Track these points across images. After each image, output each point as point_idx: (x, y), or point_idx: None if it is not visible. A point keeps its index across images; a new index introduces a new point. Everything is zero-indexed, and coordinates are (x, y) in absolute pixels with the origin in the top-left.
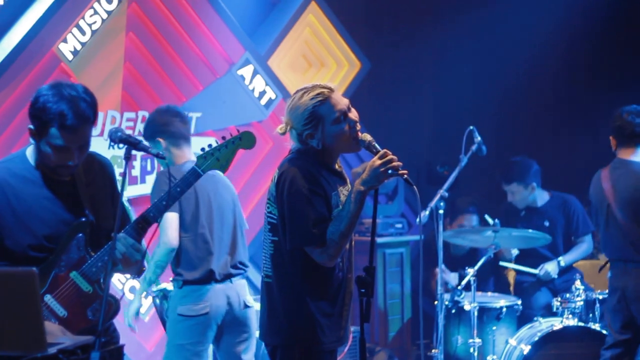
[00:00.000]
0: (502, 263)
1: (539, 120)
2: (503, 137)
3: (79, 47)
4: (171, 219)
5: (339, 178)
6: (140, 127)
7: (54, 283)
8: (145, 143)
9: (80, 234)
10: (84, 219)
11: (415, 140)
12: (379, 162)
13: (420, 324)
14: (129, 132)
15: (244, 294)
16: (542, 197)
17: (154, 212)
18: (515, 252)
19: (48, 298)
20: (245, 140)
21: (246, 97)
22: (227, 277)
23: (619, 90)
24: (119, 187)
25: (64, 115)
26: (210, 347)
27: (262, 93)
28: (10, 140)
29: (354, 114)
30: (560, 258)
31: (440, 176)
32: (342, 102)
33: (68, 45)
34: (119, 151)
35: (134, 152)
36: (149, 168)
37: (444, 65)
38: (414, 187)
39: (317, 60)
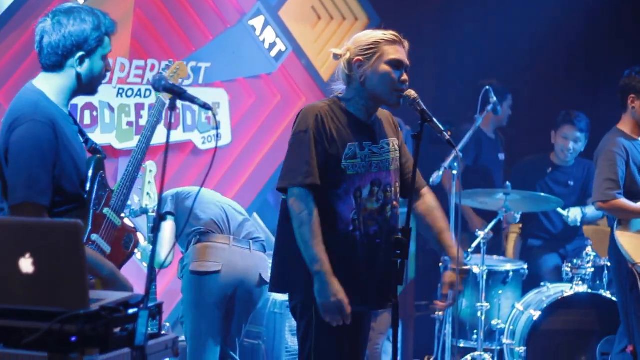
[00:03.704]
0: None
1: (541, 82)
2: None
3: None
4: (166, 230)
5: (368, 133)
6: (149, 75)
7: (96, 222)
8: (190, 93)
9: (102, 171)
10: (100, 156)
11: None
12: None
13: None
14: (137, 80)
15: (263, 266)
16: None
17: (146, 143)
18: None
19: (95, 237)
20: (181, 70)
21: (256, 49)
22: (243, 237)
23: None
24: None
25: (106, 21)
26: None
27: (273, 45)
28: (18, 87)
29: (406, 77)
30: (585, 208)
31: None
32: (405, 57)
33: None
34: (127, 99)
35: (142, 101)
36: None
37: (449, 23)
38: (456, 148)
39: (327, 13)
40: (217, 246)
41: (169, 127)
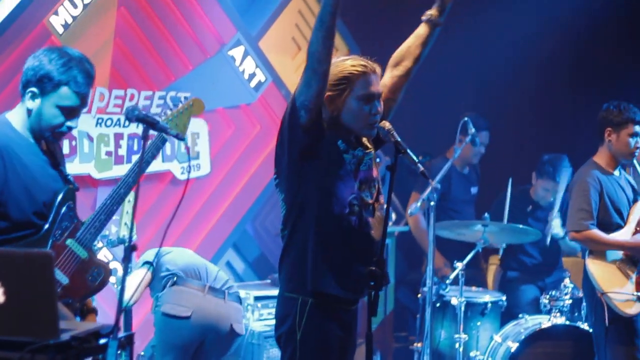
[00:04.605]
0: None
1: (519, 115)
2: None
3: (70, 20)
4: (139, 275)
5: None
6: (128, 104)
7: (54, 251)
8: (163, 123)
9: (71, 202)
10: (71, 187)
11: (396, 128)
12: None
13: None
14: (117, 109)
15: (236, 318)
16: None
17: (133, 177)
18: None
19: None
20: (196, 106)
21: (236, 79)
22: (219, 287)
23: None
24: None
25: (78, 75)
26: None
27: (252, 75)
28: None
29: (381, 107)
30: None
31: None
32: (377, 88)
33: (59, 18)
34: (107, 129)
35: (121, 130)
36: (135, 147)
37: (428, 55)
38: (430, 180)
39: (307, 44)
40: (191, 292)
41: (142, 157)
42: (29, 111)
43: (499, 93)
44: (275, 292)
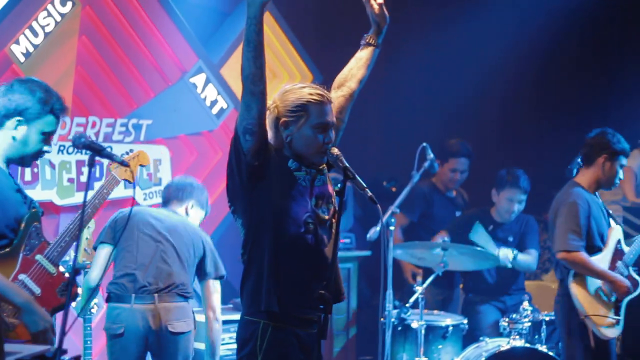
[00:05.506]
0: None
1: (486, 138)
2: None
3: (31, 49)
4: (100, 255)
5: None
6: (90, 132)
7: (25, 265)
8: (109, 150)
9: (37, 223)
10: (35, 210)
11: (362, 154)
12: None
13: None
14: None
15: (170, 318)
16: None
17: (91, 207)
18: None
19: (23, 277)
20: (141, 157)
21: (197, 106)
22: (148, 293)
23: (563, 113)
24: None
25: (57, 102)
26: None
27: (214, 102)
28: None
29: (333, 136)
30: (515, 252)
31: (387, 192)
32: (332, 118)
33: (20, 47)
34: (68, 156)
35: (83, 157)
36: (97, 174)
37: (392, 81)
38: (378, 205)
39: (270, 71)
40: (120, 307)
41: (87, 186)
42: (14, 140)
43: (465, 118)
44: (237, 316)
